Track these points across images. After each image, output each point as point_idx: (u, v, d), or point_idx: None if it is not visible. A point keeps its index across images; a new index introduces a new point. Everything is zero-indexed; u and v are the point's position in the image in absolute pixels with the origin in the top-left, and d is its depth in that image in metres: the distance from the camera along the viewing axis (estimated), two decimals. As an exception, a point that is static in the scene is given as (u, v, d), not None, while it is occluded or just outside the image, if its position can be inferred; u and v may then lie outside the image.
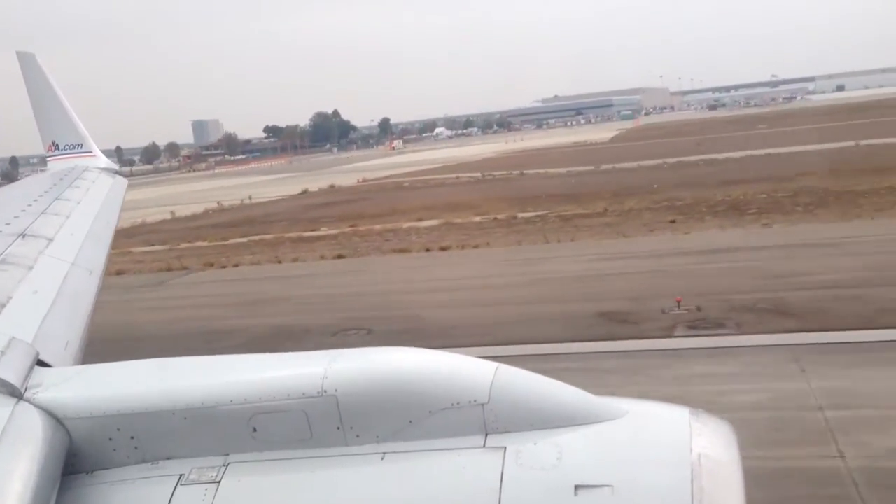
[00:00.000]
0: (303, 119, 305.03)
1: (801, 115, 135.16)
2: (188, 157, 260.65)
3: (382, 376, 3.46)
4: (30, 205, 8.68)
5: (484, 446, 3.30)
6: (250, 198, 72.00)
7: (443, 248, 34.60)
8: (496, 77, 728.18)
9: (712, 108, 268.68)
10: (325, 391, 3.40)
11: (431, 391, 3.39)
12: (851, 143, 65.18)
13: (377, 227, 43.68)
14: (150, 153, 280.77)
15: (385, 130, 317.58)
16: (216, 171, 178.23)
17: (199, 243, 44.66)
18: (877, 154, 54.75)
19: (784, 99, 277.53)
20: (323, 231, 45.14)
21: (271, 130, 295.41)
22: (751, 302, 20.39)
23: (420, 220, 44.77)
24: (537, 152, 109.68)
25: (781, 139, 77.64)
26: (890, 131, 69.81)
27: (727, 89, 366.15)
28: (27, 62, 14.78)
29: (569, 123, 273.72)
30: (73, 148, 14.99)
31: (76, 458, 3.54)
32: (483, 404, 3.34)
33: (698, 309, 20.30)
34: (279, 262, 35.79)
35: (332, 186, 78.99)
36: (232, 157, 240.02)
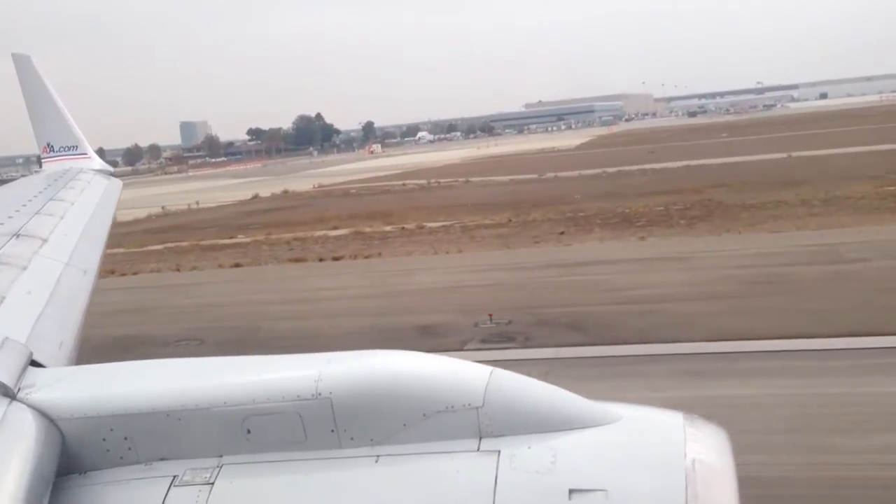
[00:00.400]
0: (291, 121, 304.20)
1: (769, 123, 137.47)
2: (170, 158, 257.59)
3: (377, 379, 3.41)
4: (24, 205, 8.60)
5: (478, 450, 3.25)
6: (197, 203, 71.37)
7: (335, 258, 35.26)
8: (484, 82, 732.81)
9: (692, 114, 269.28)
10: (320, 393, 3.35)
11: (426, 394, 3.35)
12: (785, 154, 65.75)
13: (291, 235, 43.80)
14: (132, 155, 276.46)
15: (369, 134, 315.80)
16: (190, 173, 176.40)
17: (117, 249, 43.64)
18: (798, 166, 55.31)
19: (764, 107, 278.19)
20: (239, 239, 45.52)
21: (254, 133, 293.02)
22: (557, 316, 21.39)
23: (335, 228, 45.14)
24: (499, 159, 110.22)
25: (728, 149, 78.89)
26: (834, 143, 71.10)
27: (713, 96, 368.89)
28: (22, 64, 14.60)
29: (549, 129, 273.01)
30: (68, 150, 14.88)
31: (70, 459, 3.48)
32: (478, 408, 3.30)
33: (508, 323, 21.21)
34: (178, 270, 36.26)
35: (285, 192, 78.95)
36: (213, 160, 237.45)
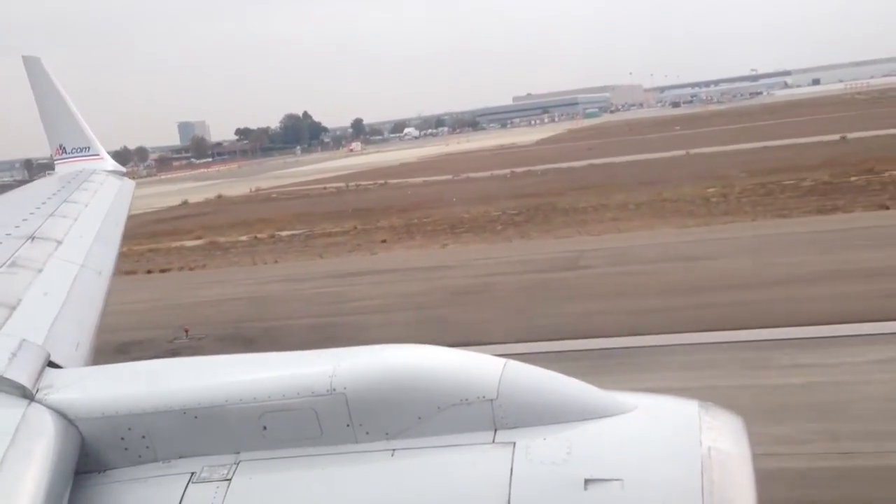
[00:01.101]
0: (279, 120, 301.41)
1: (736, 114, 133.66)
2: (158, 160, 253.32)
3: (391, 373, 3.38)
4: (38, 207, 8.58)
5: (493, 442, 3.23)
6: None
7: (162, 270, 35.58)
8: (478, 75, 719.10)
9: (675, 105, 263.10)
10: (335, 389, 3.34)
11: (440, 388, 3.32)
12: (684, 152, 64.05)
13: (149, 247, 43.00)
14: (121, 157, 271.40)
15: (359, 131, 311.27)
16: (162, 176, 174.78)
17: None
18: (677, 166, 53.70)
19: (751, 95, 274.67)
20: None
21: (242, 132, 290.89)
22: (249, 331, 21.75)
23: (198, 238, 45.29)
24: (448, 157, 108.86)
25: (654, 146, 77.40)
26: (762, 136, 69.38)
27: (707, 84, 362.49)
28: (33, 66, 14.60)
29: (532, 123, 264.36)
30: (81, 151, 14.96)
31: (88, 458, 3.47)
32: (492, 400, 3.28)
33: (201, 338, 21.53)
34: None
35: (218, 197, 77.82)
36: (198, 161, 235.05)
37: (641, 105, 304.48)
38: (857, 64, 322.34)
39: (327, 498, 3.23)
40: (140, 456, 3.48)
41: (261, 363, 3.69)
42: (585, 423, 3.23)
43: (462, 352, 3.56)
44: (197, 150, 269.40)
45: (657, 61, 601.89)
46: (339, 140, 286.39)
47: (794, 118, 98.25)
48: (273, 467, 3.35)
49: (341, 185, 76.53)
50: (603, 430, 3.21)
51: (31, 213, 8.15)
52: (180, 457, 3.45)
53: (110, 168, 14.83)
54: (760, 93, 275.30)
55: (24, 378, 3.61)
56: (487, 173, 69.07)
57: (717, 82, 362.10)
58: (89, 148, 15.17)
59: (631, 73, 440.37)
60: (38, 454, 3.17)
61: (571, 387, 3.40)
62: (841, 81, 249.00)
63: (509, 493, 3.05)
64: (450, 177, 70.45)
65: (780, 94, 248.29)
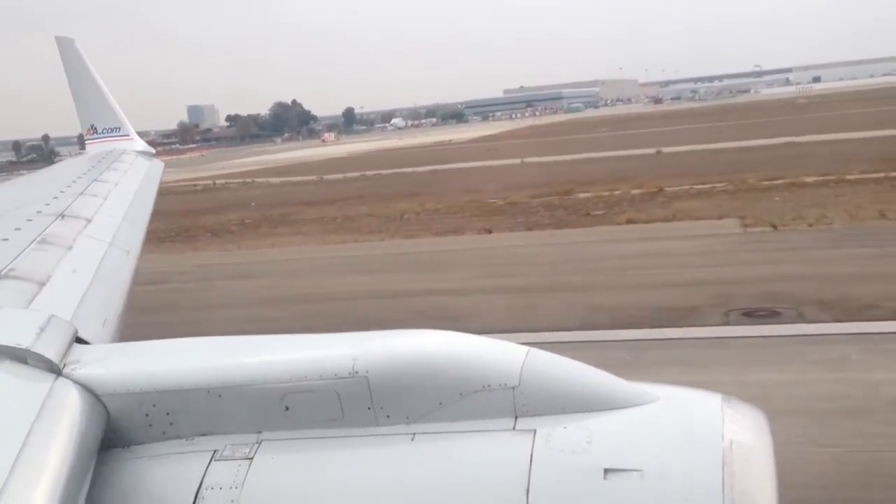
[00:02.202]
0: (268, 108, 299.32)
1: (693, 114, 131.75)
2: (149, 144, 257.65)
3: (414, 358, 3.38)
4: (69, 186, 8.67)
5: (514, 429, 3.21)
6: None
7: None
8: (473, 66, 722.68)
9: (657, 101, 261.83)
10: (357, 372, 3.34)
11: (462, 374, 3.31)
12: (518, 161, 64.19)
13: None
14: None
15: (350, 120, 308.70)
16: None
17: None
18: (491, 176, 53.38)
19: (739, 92, 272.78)
20: None
21: (232, 119, 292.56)
22: None
23: None
24: (388, 153, 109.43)
25: (546, 149, 76.87)
26: (658, 142, 68.22)
27: (712, 79, 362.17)
28: (66, 47, 14.75)
29: (513, 116, 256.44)
30: (111, 131, 15.20)
31: (113, 433, 3.49)
32: (513, 387, 3.26)
33: None
34: None
35: None
36: (182, 146, 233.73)
37: (630, 100, 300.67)
38: (859, 62, 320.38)
39: (347, 479, 3.23)
40: (164, 432, 3.50)
41: (284, 344, 3.69)
42: (607, 413, 3.20)
43: (485, 338, 3.53)
44: (183, 135, 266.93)
45: (663, 55, 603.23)
46: (331, 128, 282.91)
47: (716, 123, 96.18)
48: (294, 448, 3.35)
49: (240, 181, 76.80)
50: (624, 420, 3.18)
51: (62, 192, 8.19)
52: (203, 434, 3.47)
53: (140, 149, 15.01)
54: (748, 90, 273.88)
55: (51, 353, 3.63)
56: (356, 174, 69.63)
57: (720, 77, 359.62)
58: (120, 128, 15.40)
59: (621, 68, 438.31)
60: (63, 428, 3.19)
61: (593, 376, 3.37)
62: (841, 79, 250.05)
63: (529, 481, 3.03)
64: (314, 177, 70.36)
65: (766, 93, 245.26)
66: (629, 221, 31.71)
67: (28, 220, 6.67)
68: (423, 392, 3.32)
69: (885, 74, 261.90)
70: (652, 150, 62.25)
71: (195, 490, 3.28)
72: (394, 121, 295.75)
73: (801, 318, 17.18)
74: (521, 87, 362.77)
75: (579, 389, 3.29)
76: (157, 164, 14.05)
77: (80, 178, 9.64)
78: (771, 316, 17.56)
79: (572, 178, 46.01)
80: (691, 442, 3.06)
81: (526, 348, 3.43)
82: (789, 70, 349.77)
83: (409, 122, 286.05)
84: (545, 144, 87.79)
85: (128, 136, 15.49)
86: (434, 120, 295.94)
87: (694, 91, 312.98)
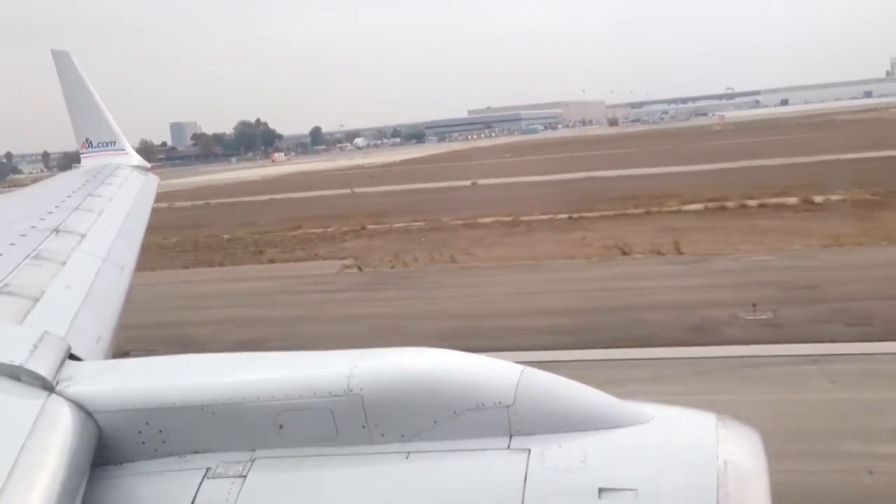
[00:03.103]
0: (292, 125, 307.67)
1: (623, 138, 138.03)
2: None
3: (408, 376, 3.34)
4: (63, 201, 8.57)
5: (508, 448, 3.18)
6: None
7: None
8: (446, 87, 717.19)
9: (612, 123, 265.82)
10: (351, 390, 3.30)
11: (457, 392, 3.27)
12: (400, 187, 69.61)
13: None
14: (71, 158, 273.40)
15: (317, 139, 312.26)
16: None
17: None
18: (356, 205, 57.18)
19: (696, 115, 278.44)
20: None
21: (197, 137, 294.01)
22: None
23: None
24: (299, 175, 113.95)
25: (419, 176, 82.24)
26: (653, 161, 73.14)
27: (684, 101, 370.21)
28: (62, 60, 14.65)
29: (469, 137, 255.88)
30: (106, 146, 15.11)
31: (105, 450, 3.44)
32: (508, 406, 3.22)
33: None
34: None
35: None
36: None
37: (591, 122, 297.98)
38: (826, 86, 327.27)
39: (341, 497, 3.18)
40: (156, 450, 3.45)
41: (278, 362, 3.64)
42: (601, 433, 3.17)
43: (479, 357, 3.49)
44: (145, 154, 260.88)
45: (638, 77, 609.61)
46: (298, 147, 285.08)
47: (605, 151, 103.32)
48: (288, 466, 3.30)
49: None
50: (618, 439, 3.14)
51: (56, 207, 8.12)
52: (196, 452, 3.41)
53: (135, 163, 14.90)
54: (705, 114, 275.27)
55: (44, 370, 3.57)
56: (199, 202, 76.14)
57: (695, 99, 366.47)
58: (115, 143, 15.27)
59: (584, 91, 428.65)
60: (56, 445, 3.15)
61: (588, 395, 3.32)
62: (807, 102, 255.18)
63: (523, 499, 2.99)
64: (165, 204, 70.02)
65: (730, 116, 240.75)
66: (271, 261, 36.18)
67: (22, 236, 6.58)
68: (417, 410, 3.27)
69: (851, 98, 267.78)
70: (468, 182, 66.99)
71: None
72: (356, 140, 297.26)
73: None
74: (488, 107, 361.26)
75: (574, 408, 3.25)
76: (153, 179, 13.92)
77: (74, 192, 9.53)
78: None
79: (343, 212, 50.99)
80: (686, 461, 3.03)
81: (520, 367, 3.40)
82: (757, 93, 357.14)
83: (372, 143, 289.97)
84: (417, 172, 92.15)
85: (123, 150, 15.35)
86: (396, 140, 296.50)
87: (665, 112, 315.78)
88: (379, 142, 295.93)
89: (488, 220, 43.49)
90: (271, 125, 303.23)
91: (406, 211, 50.09)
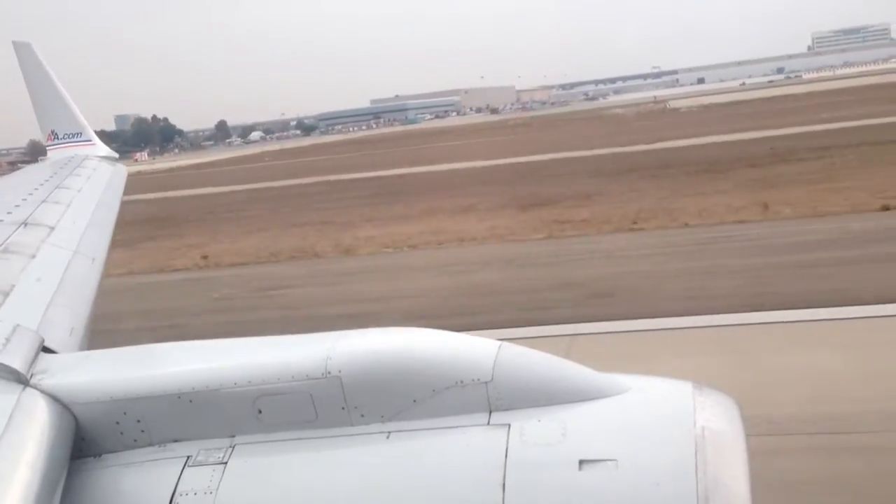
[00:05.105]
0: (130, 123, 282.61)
1: (469, 131, 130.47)
2: (11, 163, 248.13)
3: (386, 356, 3.31)
4: (31, 193, 8.41)
5: (488, 424, 3.17)
6: None
7: None
8: (366, 75, 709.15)
9: (493, 111, 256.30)
10: (329, 372, 3.28)
11: (435, 370, 3.26)
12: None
13: None
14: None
15: (223, 133, 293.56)
16: None
17: None
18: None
19: (588, 98, 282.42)
20: None
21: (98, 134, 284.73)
22: None
23: None
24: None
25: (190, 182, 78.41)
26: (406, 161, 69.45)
27: (613, 80, 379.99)
28: (23, 52, 14.39)
29: (351, 129, 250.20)
30: (73, 137, 14.97)
31: (84, 443, 3.37)
32: (486, 382, 3.22)
33: None
34: None
35: None
36: (23, 163, 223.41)
37: (495, 109, 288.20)
38: (741, 63, 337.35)
39: (323, 480, 3.14)
40: (135, 440, 3.39)
41: (256, 347, 3.56)
42: (580, 405, 3.16)
43: (457, 334, 3.45)
44: (32, 152, 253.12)
45: (572, 58, 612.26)
46: (198, 142, 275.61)
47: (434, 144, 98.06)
48: (268, 451, 3.25)
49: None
50: (597, 411, 3.14)
51: (24, 199, 7.97)
52: (175, 441, 3.36)
53: (103, 154, 14.69)
54: (596, 98, 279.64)
55: (18, 363, 3.50)
56: None
57: (624, 78, 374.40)
58: (81, 133, 15.10)
59: (482, 77, 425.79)
60: (32, 440, 3.09)
61: (566, 369, 3.31)
62: (722, 81, 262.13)
63: (504, 474, 2.98)
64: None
65: (616, 100, 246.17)
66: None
67: None
68: (396, 390, 3.24)
69: (764, 75, 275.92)
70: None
71: (169, 497, 3.20)
72: (252, 134, 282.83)
73: None
74: (397, 96, 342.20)
75: (552, 382, 3.24)
76: (121, 169, 13.73)
77: (42, 184, 9.34)
78: None
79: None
80: (664, 430, 3.03)
81: (498, 343, 3.37)
82: (675, 72, 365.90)
83: (269, 136, 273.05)
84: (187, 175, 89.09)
85: (90, 141, 15.12)
86: (297, 132, 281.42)
87: (585, 94, 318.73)
88: (281, 134, 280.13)
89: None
90: (185, 118, 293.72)
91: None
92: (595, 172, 44.18)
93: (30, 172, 13.62)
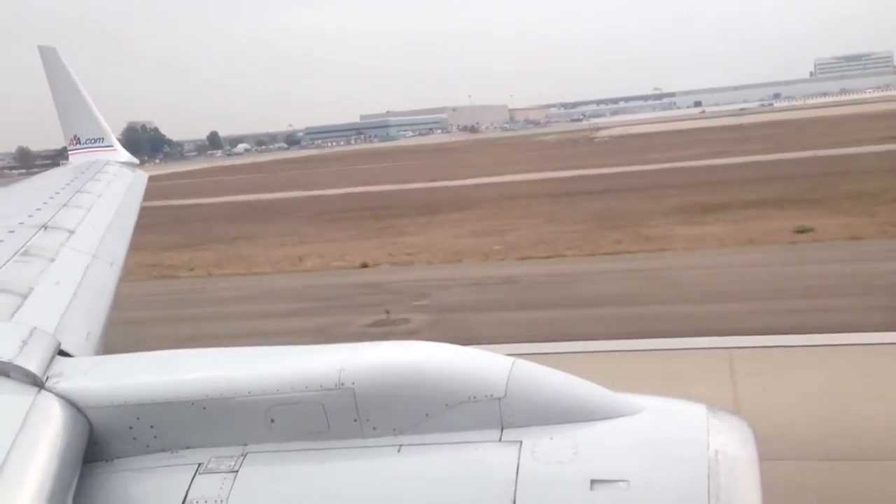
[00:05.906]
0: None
1: (403, 152, 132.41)
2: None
3: (400, 369, 3.29)
4: (52, 197, 8.48)
5: (500, 440, 3.15)
6: None
7: None
8: (363, 89, 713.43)
9: (472, 130, 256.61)
10: (343, 384, 3.27)
11: (448, 385, 3.23)
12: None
13: None
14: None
15: (214, 144, 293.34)
16: None
17: None
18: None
19: (573, 120, 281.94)
20: None
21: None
22: None
23: None
24: None
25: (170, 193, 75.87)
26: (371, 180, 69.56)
27: (615, 101, 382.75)
28: (49, 56, 14.50)
29: (332, 144, 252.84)
30: (95, 142, 15.18)
31: (97, 447, 3.37)
32: (499, 398, 3.21)
33: None
34: None
35: None
36: (17, 172, 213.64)
37: (472, 127, 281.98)
38: (737, 88, 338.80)
39: (333, 491, 3.11)
40: (148, 446, 3.38)
41: (269, 356, 3.56)
42: (593, 424, 3.13)
43: (471, 349, 3.42)
44: (22, 160, 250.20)
45: (582, 77, 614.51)
46: (195, 152, 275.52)
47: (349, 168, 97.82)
48: (279, 460, 3.23)
49: None
50: (610, 430, 3.11)
51: (45, 203, 7.99)
52: (187, 447, 3.35)
53: (124, 159, 14.85)
54: (580, 119, 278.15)
55: (34, 366, 3.50)
56: None
57: (626, 99, 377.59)
58: (103, 139, 15.30)
59: (470, 96, 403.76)
60: (46, 442, 3.09)
61: (579, 387, 3.28)
62: (717, 105, 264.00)
63: (515, 492, 2.94)
64: None
65: (602, 121, 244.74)
66: None
67: (10, 232, 6.42)
68: (409, 403, 3.22)
69: (759, 101, 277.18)
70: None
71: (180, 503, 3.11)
72: (238, 146, 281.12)
73: None
74: (388, 111, 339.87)
75: (565, 400, 3.21)
76: (141, 175, 13.78)
77: (63, 188, 9.37)
78: None
79: None
80: (677, 452, 3.00)
81: (511, 359, 3.34)
82: (672, 95, 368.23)
83: (255, 148, 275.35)
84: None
85: (111, 146, 15.30)
86: (283, 145, 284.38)
87: (583, 114, 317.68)
88: (265, 147, 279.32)
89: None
90: (180, 128, 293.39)
91: None
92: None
93: (52, 176, 13.75)
